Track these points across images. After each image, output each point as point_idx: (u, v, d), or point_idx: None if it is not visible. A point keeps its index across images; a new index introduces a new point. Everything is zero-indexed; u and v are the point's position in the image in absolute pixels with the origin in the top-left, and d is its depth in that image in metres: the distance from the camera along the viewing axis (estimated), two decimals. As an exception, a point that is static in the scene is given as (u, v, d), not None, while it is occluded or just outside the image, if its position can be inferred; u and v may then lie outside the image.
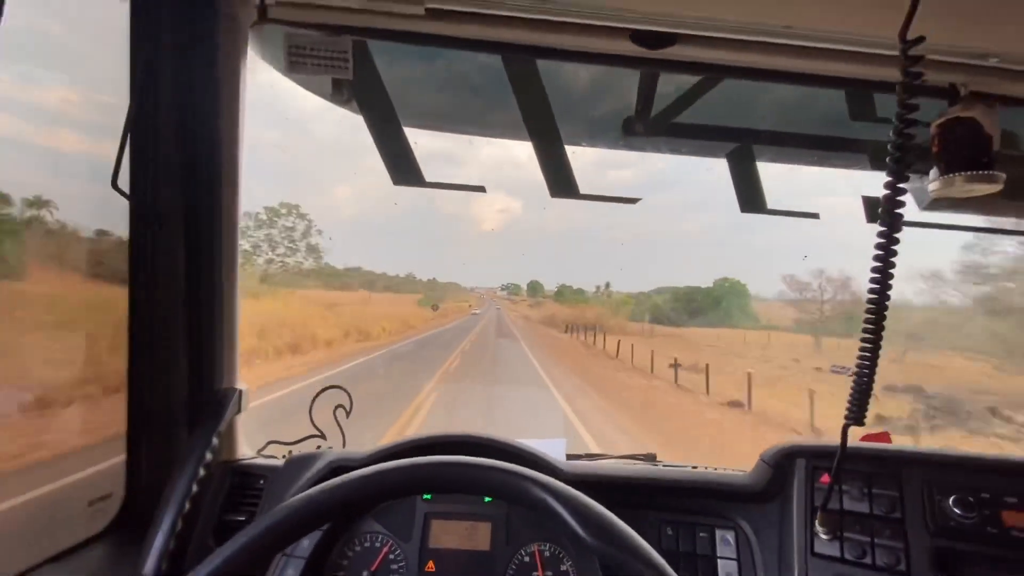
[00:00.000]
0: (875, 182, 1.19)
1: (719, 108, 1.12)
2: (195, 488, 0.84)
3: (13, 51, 0.74)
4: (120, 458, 0.90)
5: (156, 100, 0.84)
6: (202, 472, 0.85)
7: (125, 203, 0.84)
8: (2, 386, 0.84)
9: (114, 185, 0.77)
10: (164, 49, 0.83)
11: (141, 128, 0.82)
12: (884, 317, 0.61)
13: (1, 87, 0.81)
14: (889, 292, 0.61)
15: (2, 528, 0.79)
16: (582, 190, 1.11)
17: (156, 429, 0.91)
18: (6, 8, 0.54)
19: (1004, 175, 0.85)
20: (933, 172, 0.91)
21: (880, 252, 0.60)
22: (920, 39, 0.54)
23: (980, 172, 0.86)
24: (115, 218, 0.85)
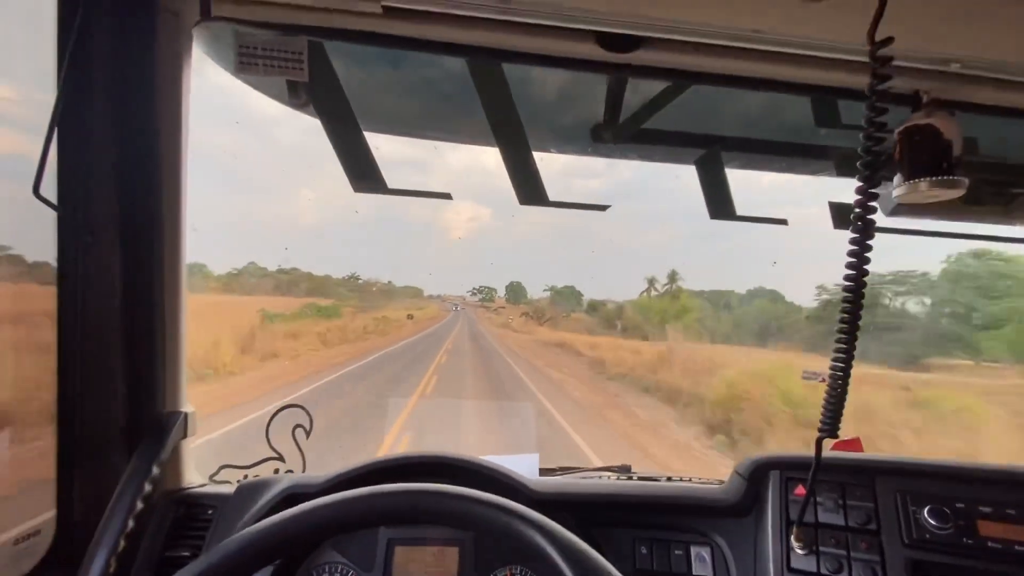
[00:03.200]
0: (840, 188, 1.19)
1: (687, 115, 1.11)
2: (132, 523, 0.76)
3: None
4: (50, 491, 0.82)
5: (87, 102, 0.77)
6: (140, 505, 0.78)
7: (51, 217, 0.77)
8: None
9: (36, 193, 0.70)
10: (95, 46, 0.77)
11: (69, 130, 0.75)
12: (858, 325, 0.60)
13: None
14: (862, 299, 0.60)
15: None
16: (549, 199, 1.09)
17: (90, 458, 0.83)
18: None
19: (967, 180, 0.86)
20: (897, 178, 0.92)
21: (853, 259, 0.59)
22: (889, 39, 0.53)
23: (944, 178, 0.87)
24: (41, 234, 0.78)
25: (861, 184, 0.59)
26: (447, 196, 1.12)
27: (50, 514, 0.82)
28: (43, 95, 0.74)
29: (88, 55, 0.76)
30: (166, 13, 0.81)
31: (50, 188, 0.76)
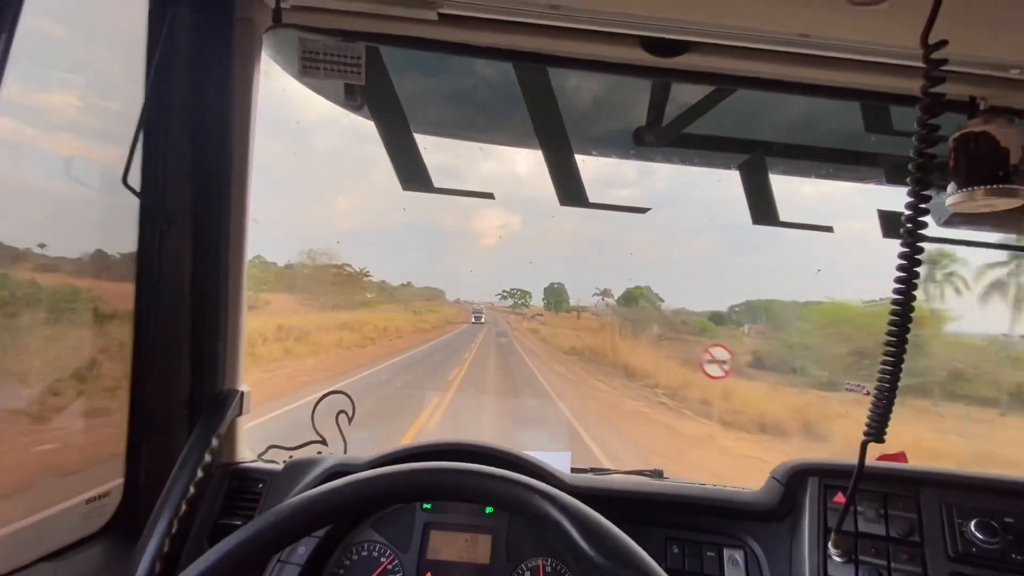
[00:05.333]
0: (890, 197, 1.17)
1: (731, 119, 1.11)
2: (192, 490, 0.82)
3: (27, 56, 0.74)
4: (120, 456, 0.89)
5: (169, 100, 0.85)
6: (200, 474, 0.84)
7: (134, 205, 0.85)
8: (5, 382, 0.83)
9: (124, 182, 0.78)
10: (179, 50, 0.84)
11: (153, 128, 0.83)
12: (908, 332, 0.60)
13: (14, 92, 0.82)
14: (913, 307, 0.60)
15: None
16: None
17: (156, 428, 0.90)
18: (22, 13, 0.55)
19: None
20: (951, 187, 0.90)
21: (903, 266, 0.60)
22: (943, 42, 0.53)
23: (1001, 186, 0.84)
24: (124, 221, 0.86)
25: (912, 192, 0.59)
26: (489, 196, 1.16)
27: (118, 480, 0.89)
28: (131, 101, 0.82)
29: (171, 61, 0.84)
30: (241, 20, 0.88)
31: (135, 180, 0.84)
